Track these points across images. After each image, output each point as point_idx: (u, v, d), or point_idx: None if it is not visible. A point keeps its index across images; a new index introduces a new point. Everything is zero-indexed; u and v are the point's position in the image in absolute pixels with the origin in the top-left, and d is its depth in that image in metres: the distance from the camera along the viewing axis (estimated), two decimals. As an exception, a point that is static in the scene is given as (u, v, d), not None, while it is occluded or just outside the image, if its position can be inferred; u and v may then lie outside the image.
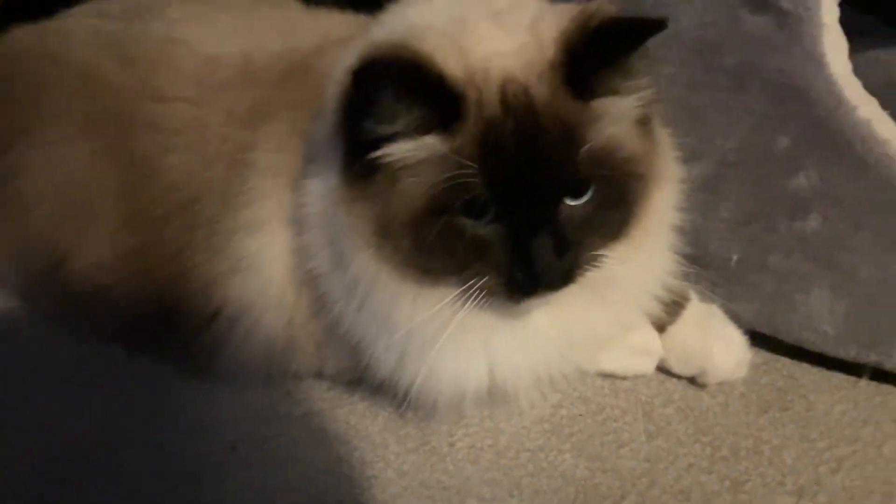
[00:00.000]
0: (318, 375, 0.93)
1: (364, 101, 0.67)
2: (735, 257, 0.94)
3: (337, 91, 0.73)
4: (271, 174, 0.82)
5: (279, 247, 0.82)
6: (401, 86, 0.66)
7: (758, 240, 0.92)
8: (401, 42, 0.69)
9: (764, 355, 0.98)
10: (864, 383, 0.95)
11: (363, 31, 0.81)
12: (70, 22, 0.99)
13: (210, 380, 0.91)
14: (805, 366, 0.97)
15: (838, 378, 0.95)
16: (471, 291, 0.71)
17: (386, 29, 0.75)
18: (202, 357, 0.89)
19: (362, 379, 0.88)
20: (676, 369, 0.94)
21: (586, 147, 0.68)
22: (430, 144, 0.68)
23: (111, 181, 0.89)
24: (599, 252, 0.73)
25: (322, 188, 0.77)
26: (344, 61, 0.74)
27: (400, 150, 0.68)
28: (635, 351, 0.92)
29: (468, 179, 0.67)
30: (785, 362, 0.97)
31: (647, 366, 0.93)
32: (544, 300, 0.73)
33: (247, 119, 0.86)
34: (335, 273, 0.77)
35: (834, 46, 0.87)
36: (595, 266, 0.73)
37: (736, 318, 0.95)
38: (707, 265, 0.94)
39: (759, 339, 0.97)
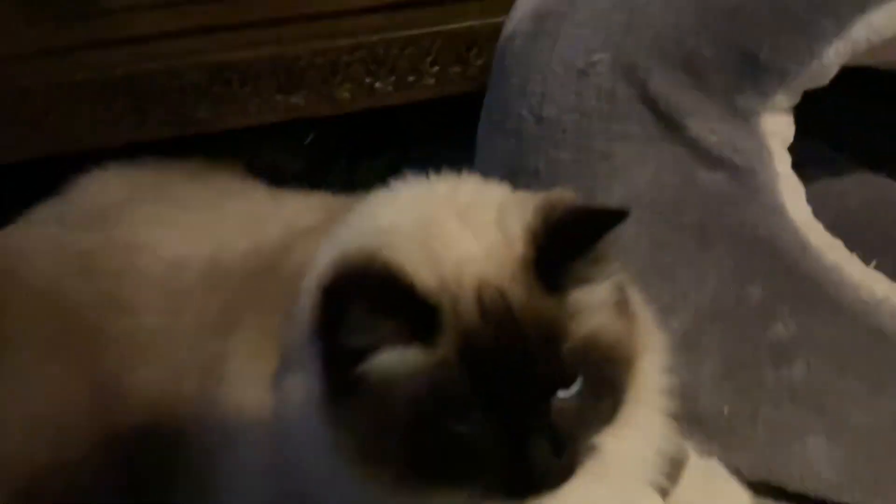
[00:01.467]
0: None
1: (337, 318, 0.66)
2: (726, 409, 0.92)
3: (308, 304, 0.72)
4: (244, 385, 0.80)
5: (253, 466, 0.79)
6: (373, 301, 0.64)
7: (746, 391, 0.91)
8: (370, 252, 0.69)
9: (769, 505, 0.96)
10: (875, 527, 0.92)
11: (330, 227, 0.81)
12: (29, 234, 0.98)
13: None
14: (812, 513, 0.94)
15: (848, 524, 0.93)
16: (470, 500, 0.68)
17: (353, 232, 0.75)
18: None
19: None
20: (685, 535, 0.91)
21: (568, 343, 0.67)
22: (409, 356, 0.66)
23: (83, 402, 0.86)
24: (595, 440, 0.71)
25: (299, 399, 0.75)
26: (313, 268, 0.73)
27: (379, 364, 0.66)
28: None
29: (454, 388, 0.65)
30: (791, 511, 0.95)
31: (656, 538, 0.90)
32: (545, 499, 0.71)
33: (217, 326, 0.85)
34: (319, 491, 0.74)
35: (792, 193, 0.89)
36: (593, 455, 0.71)
37: (735, 471, 0.93)
38: (700, 420, 0.92)
39: (762, 489, 0.95)
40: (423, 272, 0.67)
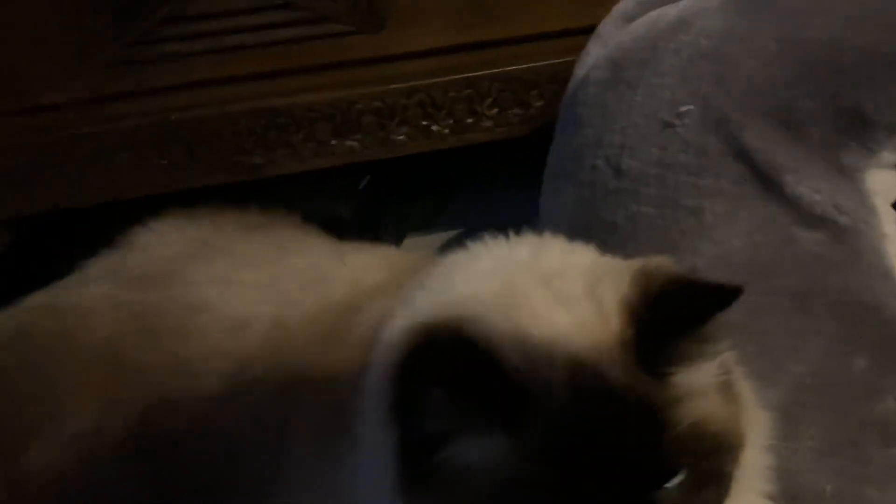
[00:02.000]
0: None
1: (414, 399, 0.60)
2: (828, 489, 0.85)
3: (381, 380, 0.66)
4: (307, 466, 0.75)
5: None
6: (456, 382, 0.59)
7: (849, 470, 0.83)
8: (451, 324, 0.63)
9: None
10: None
11: (399, 289, 0.76)
12: (86, 292, 0.94)
13: None
14: None
15: None
16: None
17: (431, 300, 0.70)
18: None
19: None
20: None
21: (672, 432, 0.60)
22: (493, 445, 0.59)
23: (139, 470, 0.82)
24: None
25: (370, 484, 0.69)
26: (386, 338, 0.68)
27: (459, 453, 0.60)
28: None
29: (541, 481, 0.58)
30: None
31: None
32: None
33: (279, 395, 0.80)
34: None
35: (898, 256, 0.83)
36: None
37: (836, 557, 0.86)
38: (799, 500, 0.85)
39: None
40: (509, 349, 0.61)
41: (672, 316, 0.61)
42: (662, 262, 0.66)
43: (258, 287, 0.90)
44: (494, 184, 1.47)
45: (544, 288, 0.66)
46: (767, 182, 0.84)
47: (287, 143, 1.32)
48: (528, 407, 0.59)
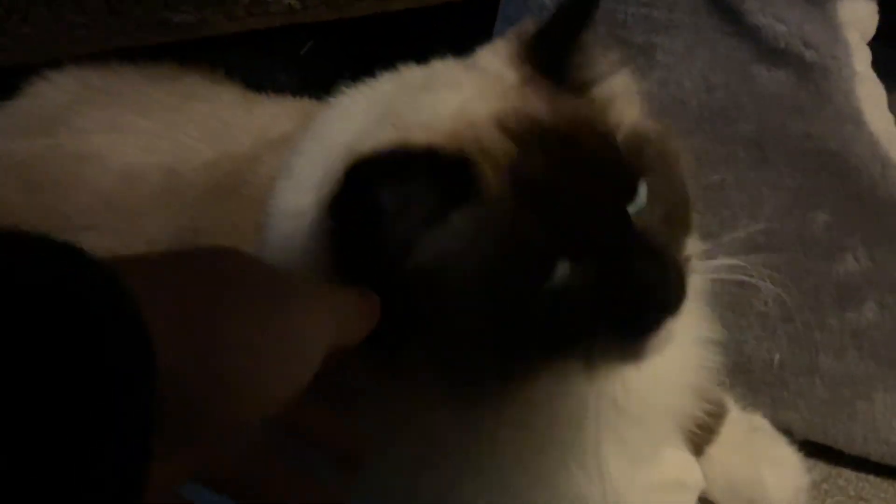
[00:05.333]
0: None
1: (371, 209, 0.54)
2: (777, 358, 0.78)
3: (311, 224, 0.59)
4: None
5: None
6: (401, 176, 0.54)
7: (803, 337, 0.76)
8: (372, 141, 0.57)
9: (822, 468, 0.81)
10: (949, 499, 0.78)
11: (303, 132, 0.67)
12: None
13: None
14: (873, 479, 0.80)
15: (918, 493, 0.79)
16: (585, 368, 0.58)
17: (342, 132, 0.63)
18: None
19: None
20: (722, 502, 0.77)
21: (618, 137, 0.57)
22: (461, 223, 0.55)
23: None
24: (685, 251, 0.61)
25: None
26: (291, 182, 0.61)
27: (433, 247, 0.55)
28: (668, 486, 0.76)
29: (521, 230, 0.54)
30: (849, 476, 0.80)
31: (687, 502, 0.77)
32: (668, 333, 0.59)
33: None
34: None
35: (871, 99, 0.73)
36: (691, 270, 0.60)
37: (786, 430, 0.79)
38: (745, 369, 0.78)
39: (815, 449, 0.81)
40: (431, 135, 0.56)
41: (558, 33, 0.60)
42: (524, 23, 0.63)
43: (154, 135, 0.80)
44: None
45: (430, 87, 0.62)
46: (726, 11, 0.73)
47: (218, 0, 1.21)
48: (476, 173, 0.55)
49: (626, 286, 0.55)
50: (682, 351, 0.69)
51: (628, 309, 0.56)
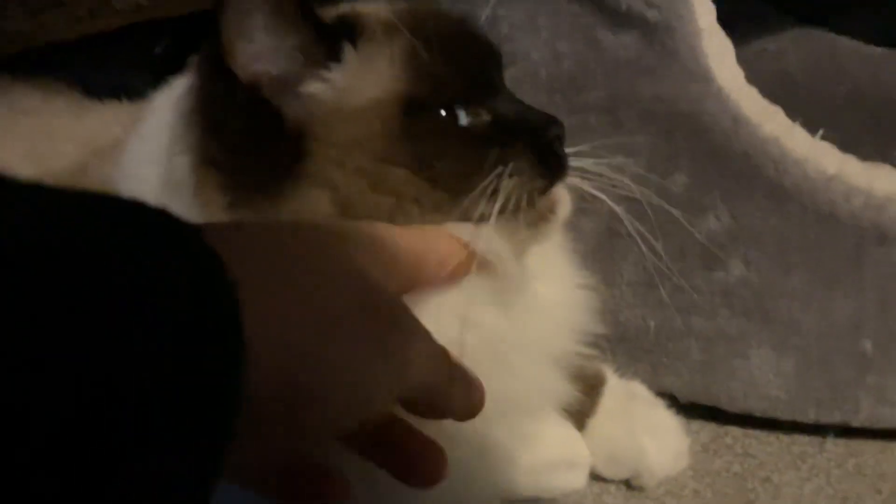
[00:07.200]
0: None
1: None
2: (652, 324, 0.77)
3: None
4: None
5: None
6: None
7: (674, 301, 0.75)
8: None
9: (709, 429, 0.81)
10: (830, 444, 0.79)
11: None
12: None
13: None
14: (758, 434, 0.80)
15: (800, 444, 0.79)
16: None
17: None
18: None
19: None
20: (606, 473, 0.76)
21: None
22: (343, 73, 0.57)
23: None
24: None
25: None
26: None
27: (323, 93, 0.56)
28: (558, 465, 0.74)
29: (421, 72, 0.57)
30: (736, 434, 0.81)
31: (578, 479, 0.75)
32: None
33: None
34: None
35: (718, 54, 0.72)
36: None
37: (670, 394, 0.79)
38: (622, 338, 0.77)
39: (701, 411, 0.81)
40: None
41: None
42: None
43: (-28, 157, 0.74)
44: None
45: None
46: (566, -24, 0.71)
47: (57, 1, 1.12)
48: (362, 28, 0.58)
49: (522, 123, 0.60)
50: (562, 290, 0.67)
51: (532, 134, 0.60)
